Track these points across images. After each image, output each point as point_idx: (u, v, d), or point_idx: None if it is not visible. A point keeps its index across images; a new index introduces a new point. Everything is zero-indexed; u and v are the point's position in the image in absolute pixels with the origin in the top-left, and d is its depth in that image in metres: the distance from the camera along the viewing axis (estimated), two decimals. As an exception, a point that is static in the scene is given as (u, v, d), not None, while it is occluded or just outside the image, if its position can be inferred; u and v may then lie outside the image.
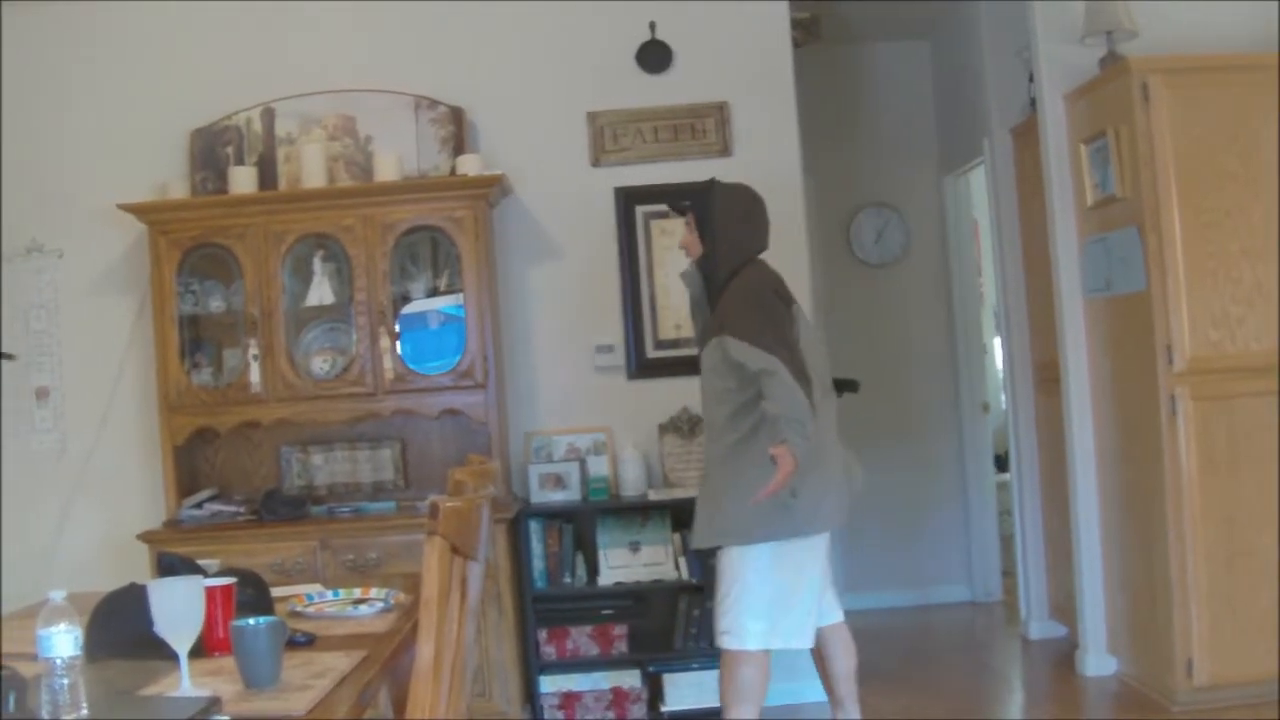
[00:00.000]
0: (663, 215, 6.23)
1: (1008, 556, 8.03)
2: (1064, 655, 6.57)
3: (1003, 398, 8.14)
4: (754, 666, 4.76)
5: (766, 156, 6.36)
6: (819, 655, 5.09)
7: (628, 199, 6.36)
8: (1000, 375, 8.36)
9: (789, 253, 6.21)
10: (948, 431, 8.37)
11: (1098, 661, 6.23)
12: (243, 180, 6.10)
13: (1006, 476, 7.89)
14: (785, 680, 5.65)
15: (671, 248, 6.12)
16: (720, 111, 6.40)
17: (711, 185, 5.00)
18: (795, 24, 6.64)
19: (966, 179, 8.32)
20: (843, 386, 5.18)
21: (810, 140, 6.80)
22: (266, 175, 6.25)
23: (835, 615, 5.08)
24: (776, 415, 4.49)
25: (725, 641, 4.80)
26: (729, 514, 4.73)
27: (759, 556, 4.71)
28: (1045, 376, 6.88)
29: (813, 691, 5.33)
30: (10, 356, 6.00)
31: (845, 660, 5.09)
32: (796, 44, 6.61)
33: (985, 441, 8.39)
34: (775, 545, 4.69)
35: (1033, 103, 6.65)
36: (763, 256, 4.96)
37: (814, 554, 4.78)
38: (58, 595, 2.51)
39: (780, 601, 4.72)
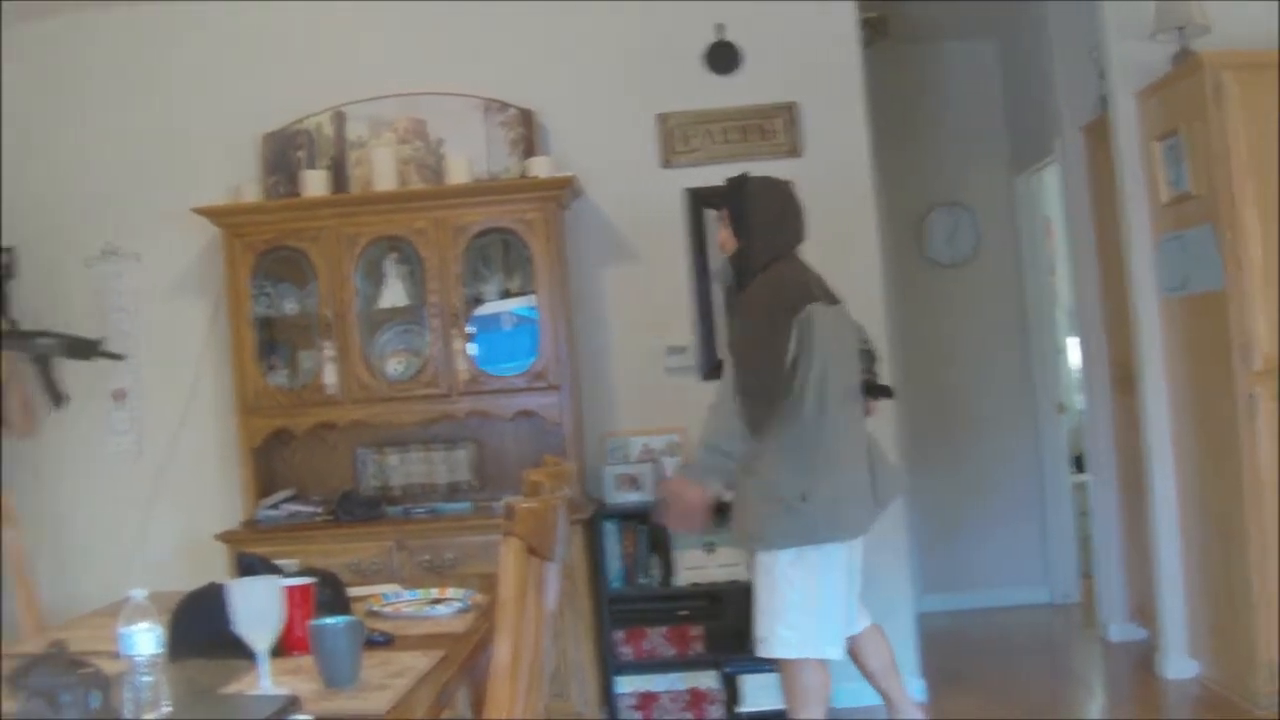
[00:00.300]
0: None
1: (1086, 558, 7.95)
2: (1144, 658, 6.50)
3: (1079, 398, 8.08)
4: (811, 672, 4.69)
5: (836, 157, 6.33)
6: (857, 660, 5.04)
7: (698, 200, 6.34)
8: (1076, 375, 8.30)
9: (860, 253, 6.22)
10: (1023, 432, 8.30)
11: (1178, 664, 6.16)
12: (315, 183, 6.14)
13: (1084, 477, 7.82)
14: (853, 680, 5.60)
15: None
16: (789, 112, 6.37)
17: (744, 180, 4.91)
18: (863, 23, 6.62)
19: (1039, 177, 8.27)
20: (877, 392, 5.09)
21: (880, 140, 6.76)
22: (338, 178, 6.29)
23: (864, 622, 5.01)
24: (701, 439, 4.56)
25: (761, 649, 4.75)
26: (747, 517, 4.71)
27: (783, 563, 4.64)
28: (1122, 376, 6.81)
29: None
30: (119, 356, 6.07)
31: (877, 657, 5.03)
32: (865, 43, 6.58)
33: (1061, 442, 8.33)
34: (798, 551, 4.61)
35: (1104, 100, 6.60)
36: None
37: (838, 561, 4.68)
38: (139, 594, 2.54)
39: (808, 609, 4.63)
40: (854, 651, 4.98)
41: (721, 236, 4.93)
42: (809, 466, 4.55)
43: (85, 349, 5.95)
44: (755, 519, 4.66)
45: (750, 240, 4.78)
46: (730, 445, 4.53)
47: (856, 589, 4.90)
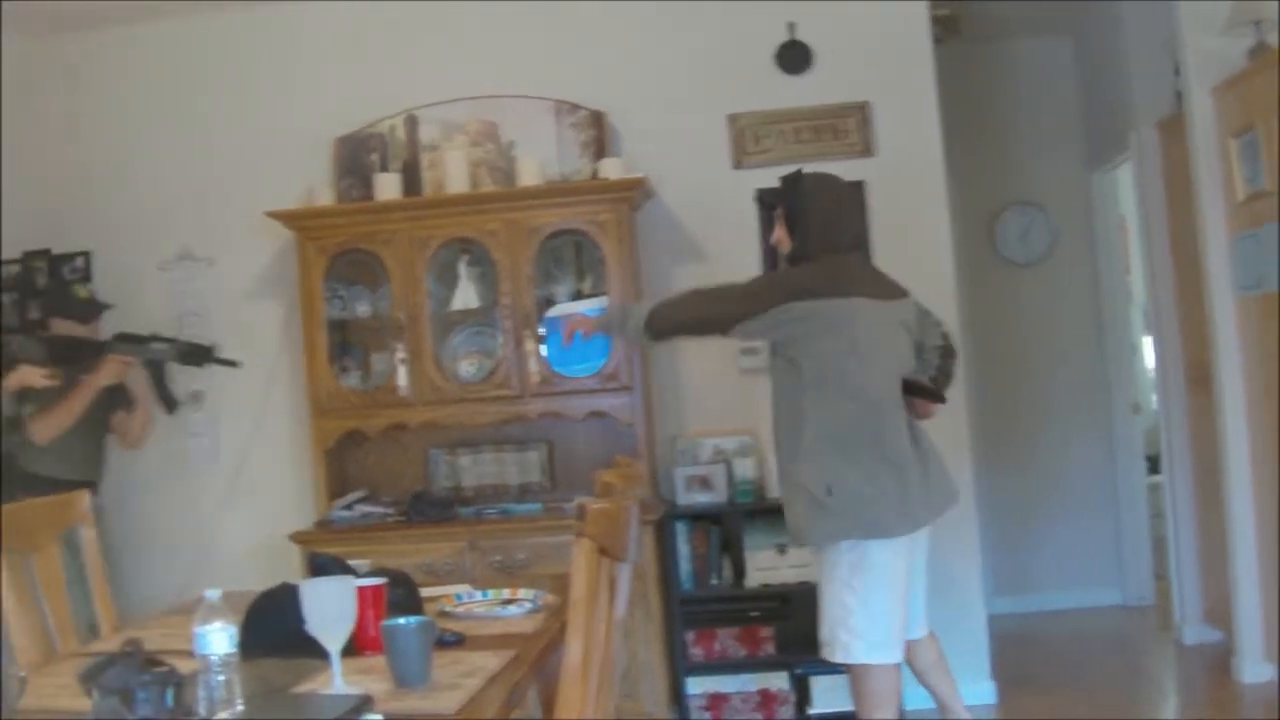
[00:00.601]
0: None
1: (1160, 559, 7.87)
2: (1220, 661, 6.43)
3: (1154, 398, 8.01)
4: (879, 675, 4.58)
5: (909, 156, 6.30)
6: (907, 658, 4.86)
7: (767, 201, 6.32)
8: (1151, 374, 8.22)
9: (933, 252, 6.20)
10: (1097, 432, 8.23)
11: (1254, 668, 6.08)
12: (388, 186, 6.18)
13: (1158, 478, 7.74)
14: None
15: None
16: (861, 111, 6.35)
17: (799, 177, 4.81)
18: (935, 21, 6.57)
19: (1113, 175, 8.20)
20: (925, 393, 4.82)
21: (953, 139, 6.69)
22: (410, 181, 6.32)
23: (923, 630, 4.91)
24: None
25: (824, 652, 4.66)
26: (788, 513, 4.69)
27: (843, 567, 4.55)
28: (1197, 376, 6.73)
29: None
30: (234, 363, 6.07)
31: (925, 656, 4.93)
32: (936, 41, 6.54)
33: (1136, 442, 8.25)
34: (848, 552, 4.52)
35: (1179, 96, 6.53)
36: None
37: (894, 563, 4.55)
38: (213, 594, 2.55)
39: (867, 613, 4.52)
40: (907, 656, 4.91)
41: (777, 235, 4.82)
42: (834, 460, 4.48)
43: (199, 355, 5.94)
44: (792, 514, 4.64)
45: (805, 239, 4.68)
46: (634, 331, 4.76)
47: (921, 593, 4.84)
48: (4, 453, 5.68)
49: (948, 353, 5.00)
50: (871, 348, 4.54)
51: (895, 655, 4.60)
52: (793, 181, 4.80)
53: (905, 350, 4.73)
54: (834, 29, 6.37)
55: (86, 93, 6.78)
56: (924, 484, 4.60)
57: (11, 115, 6.74)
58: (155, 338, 5.80)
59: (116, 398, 5.86)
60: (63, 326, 5.82)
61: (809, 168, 4.95)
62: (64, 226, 6.74)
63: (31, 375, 5.46)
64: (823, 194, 4.74)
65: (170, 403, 5.92)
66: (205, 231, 6.59)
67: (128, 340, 5.75)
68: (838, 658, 4.61)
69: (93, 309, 5.92)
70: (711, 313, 4.66)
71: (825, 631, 4.64)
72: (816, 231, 4.65)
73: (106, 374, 5.64)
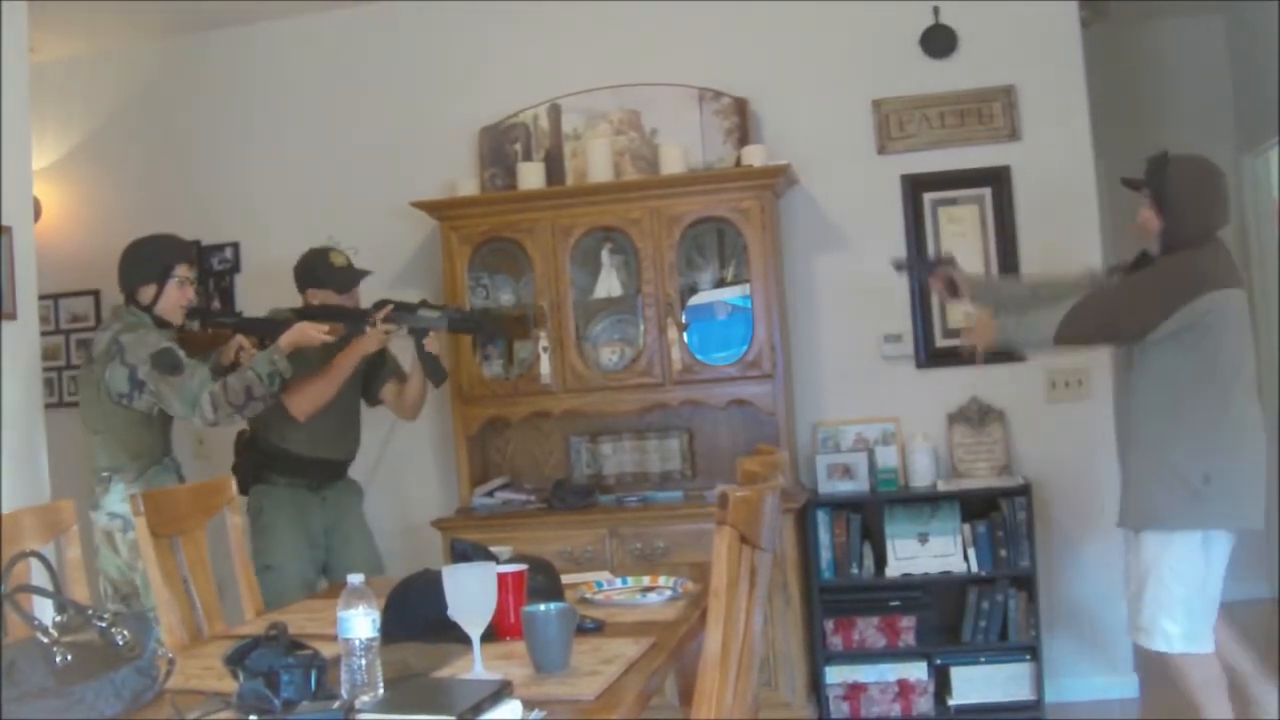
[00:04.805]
0: (950, 202, 6.18)
1: None
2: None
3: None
4: (1206, 664, 4.55)
5: (1057, 140, 6.21)
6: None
7: (915, 186, 6.27)
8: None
9: (1082, 237, 6.12)
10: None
11: None
12: (531, 176, 6.22)
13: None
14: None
15: (961, 234, 6.08)
16: (1007, 95, 6.26)
17: (1165, 159, 4.78)
18: (1083, 3, 6.47)
19: (1265, 158, 8.00)
20: None
21: (1101, 121, 6.59)
22: (554, 170, 6.35)
23: None
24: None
25: (1140, 638, 4.65)
26: (1143, 495, 4.64)
27: (1178, 549, 4.53)
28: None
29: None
30: (524, 334, 6.07)
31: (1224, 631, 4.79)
32: (1084, 24, 6.44)
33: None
34: (1193, 539, 4.50)
35: (1338, 76, 6.37)
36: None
37: (1227, 554, 4.54)
38: (357, 579, 2.61)
39: (1194, 603, 4.51)
40: None
41: (1143, 216, 4.79)
42: (1214, 449, 4.48)
43: (477, 322, 5.78)
44: (1150, 498, 4.60)
45: (1180, 223, 4.66)
46: (1027, 337, 4.87)
47: None
48: (252, 430, 5.53)
49: None
50: (1250, 337, 4.61)
51: (1211, 645, 4.56)
52: (1160, 164, 4.77)
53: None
54: (979, 12, 6.29)
55: (233, 88, 6.93)
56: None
57: (162, 112, 6.91)
58: (424, 304, 5.46)
59: (379, 370, 5.69)
60: (318, 297, 5.46)
61: (1173, 149, 4.86)
62: (213, 218, 6.88)
63: (309, 330, 5.07)
64: (1195, 178, 4.74)
65: (438, 374, 5.47)
66: (350, 222, 6.60)
67: (395, 308, 5.37)
68: (1157, 646, 4.59)
69: (350, 276, 5.53)
70: (1126, 323, 4.61)
71: (1145, 618, 4.61)
72: (1192, 217, 4.66)
73: (370, 342, 5.26)
